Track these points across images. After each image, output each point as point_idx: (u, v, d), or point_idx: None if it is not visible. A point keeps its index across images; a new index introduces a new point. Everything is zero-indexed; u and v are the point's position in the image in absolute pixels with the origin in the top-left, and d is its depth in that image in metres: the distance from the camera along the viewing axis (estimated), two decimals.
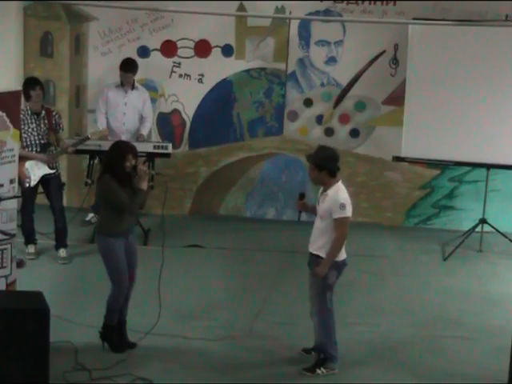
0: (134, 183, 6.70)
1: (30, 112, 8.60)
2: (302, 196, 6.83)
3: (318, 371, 6.58)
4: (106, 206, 6.73)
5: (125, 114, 9.69)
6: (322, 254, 6.50)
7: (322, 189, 6.66)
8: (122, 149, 6.72)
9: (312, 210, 6.78)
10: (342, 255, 6.57)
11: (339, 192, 6.49)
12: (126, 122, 9.68)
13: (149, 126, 9.89)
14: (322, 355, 6.64)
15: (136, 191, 6.65)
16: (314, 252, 6.58)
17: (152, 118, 10.05)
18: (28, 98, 8.56)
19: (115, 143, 6.96)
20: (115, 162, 6.63)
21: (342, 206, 6.42)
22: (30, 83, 8.62)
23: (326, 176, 6.51)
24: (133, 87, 9.69)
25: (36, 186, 8.66)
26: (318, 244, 6.55)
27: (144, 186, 6.68)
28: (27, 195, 8.39)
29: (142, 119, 9.76)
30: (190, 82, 10.53)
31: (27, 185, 8.41)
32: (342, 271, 6.61)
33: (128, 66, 9.60)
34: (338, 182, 6.55)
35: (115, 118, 9.69)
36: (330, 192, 6.51)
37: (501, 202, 10.36)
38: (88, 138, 8.96)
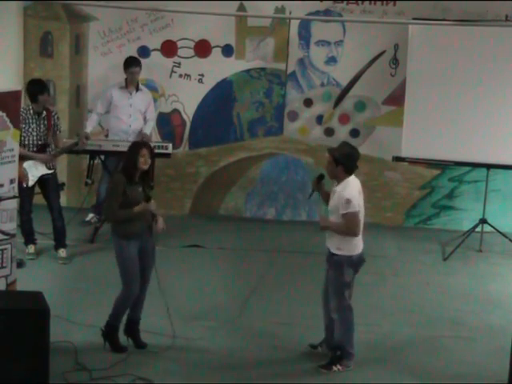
0: (148, 182, 6.74)
1: (31, 112, 8.59)
2: (320, 177, 6.86)
3: (334, 368, 6.60)
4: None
5: (131, 116, 9.68)
6: (338, 252, 6.56)
7: (335, 183, 6.73)
8: (137, 144, 6.82)
9: (324, 195, 6.86)
10: (357, 250, 6.59)
11: (346, 188, 6.55)
12: (132, 124, 9.67)
13: (152, 125, 9.91)
14: (338, 352, 6.62)
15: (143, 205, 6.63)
16: (331, 250, 6.63)
17: (154, 119, 10.08)
18: (34, 100, 8.55)
19: (133, 143, 7.03)
20: (129, 157, 6.66)
21: (348, 202, 6.48)
22: (38, 87, 8.57)
23: (340, 172, 6.58)
24: (137, 89, 9.69)
25: (33, 185, 8.65)
26: (333, 240, 6.61)
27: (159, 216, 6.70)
28: (24, 195, 8.39)
29: (145, 120, 9.78)
30: (190, 82, 10.52)
31: (25, 185, 8.40)
32: (360, 268, 6.64)
33: (136, 61, 9.59)
34: (348, 178, 6.59)
35: (121, 120, 9.65)
36: (339, 188, 6.59)
37: (501, 202, 10.36)
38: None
